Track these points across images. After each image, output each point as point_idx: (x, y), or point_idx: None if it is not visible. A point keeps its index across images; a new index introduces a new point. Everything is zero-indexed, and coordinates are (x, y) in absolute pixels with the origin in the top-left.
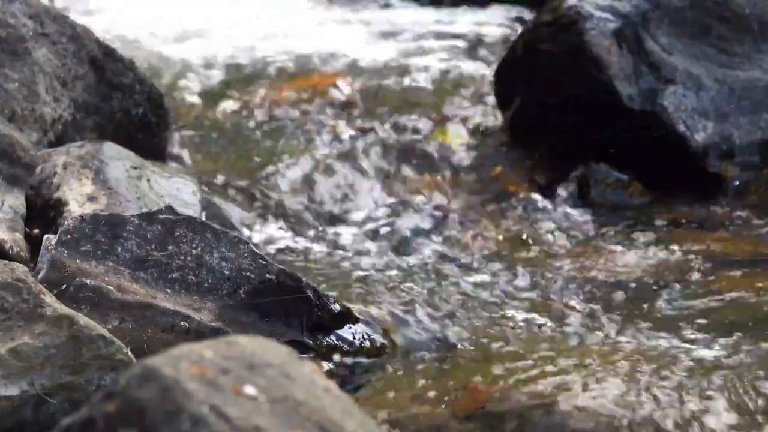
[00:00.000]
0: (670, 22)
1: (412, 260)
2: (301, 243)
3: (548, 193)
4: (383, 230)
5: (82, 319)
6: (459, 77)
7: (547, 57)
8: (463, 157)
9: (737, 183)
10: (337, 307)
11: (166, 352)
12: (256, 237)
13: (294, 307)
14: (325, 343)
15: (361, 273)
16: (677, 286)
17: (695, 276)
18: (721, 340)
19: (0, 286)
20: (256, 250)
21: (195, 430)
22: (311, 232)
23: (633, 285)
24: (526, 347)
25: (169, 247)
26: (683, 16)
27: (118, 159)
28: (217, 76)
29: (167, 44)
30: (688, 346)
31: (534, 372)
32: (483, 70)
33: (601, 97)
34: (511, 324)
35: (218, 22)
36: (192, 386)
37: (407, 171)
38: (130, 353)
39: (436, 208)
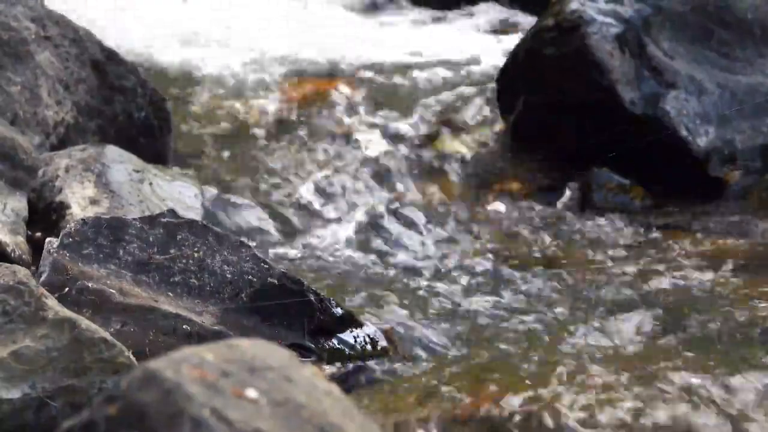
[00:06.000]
0: (672, 27)
1: (414, 264)
2: (303, 246)
3: (550, 197)
4: (385, 234)
5: (84, 323)
6: (462, 81)
7: (550, 61)
8: (465, 160)
9: (739, 187)
10: (339, 310)
11: (168, 355)
12: (258, 240)
13: (296, 311)
14: (327, 347)
15: (363, 276)
16: (679, 290)
17: (697, 280)
18: (723, 344)
19: (2, 289)
20: (258, 254)
21: None
22: (313, 236)
23: (634, 289)
24: (527, 351)
25: (171, 251)
26: (685, 20)
27: (120, 162)
28: (219, 79)
29: (169, 47)
30: (690, 349)
31: (536, 375)
32: (486, 74)
33: (603, 101)
34: (514, 327)
35: (220, 25)
36: (193, 389)
37: (410, 175)
38: (131, 356)
39: (439, 211)
